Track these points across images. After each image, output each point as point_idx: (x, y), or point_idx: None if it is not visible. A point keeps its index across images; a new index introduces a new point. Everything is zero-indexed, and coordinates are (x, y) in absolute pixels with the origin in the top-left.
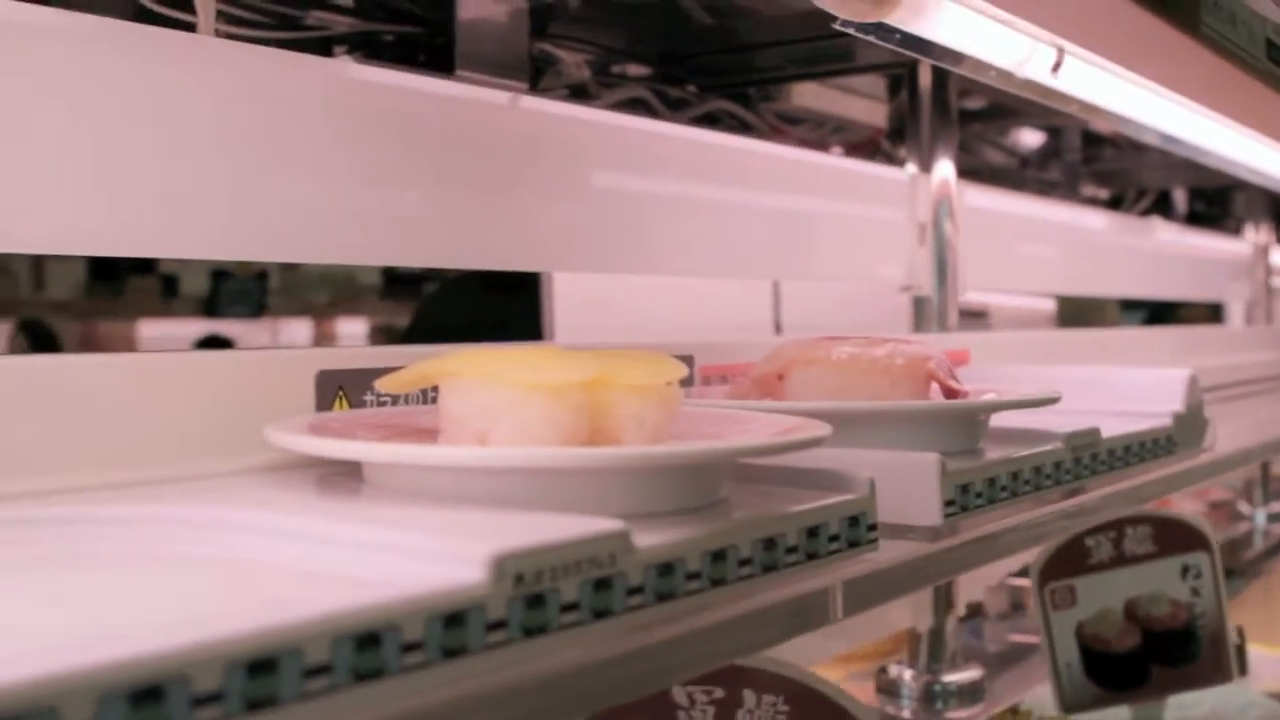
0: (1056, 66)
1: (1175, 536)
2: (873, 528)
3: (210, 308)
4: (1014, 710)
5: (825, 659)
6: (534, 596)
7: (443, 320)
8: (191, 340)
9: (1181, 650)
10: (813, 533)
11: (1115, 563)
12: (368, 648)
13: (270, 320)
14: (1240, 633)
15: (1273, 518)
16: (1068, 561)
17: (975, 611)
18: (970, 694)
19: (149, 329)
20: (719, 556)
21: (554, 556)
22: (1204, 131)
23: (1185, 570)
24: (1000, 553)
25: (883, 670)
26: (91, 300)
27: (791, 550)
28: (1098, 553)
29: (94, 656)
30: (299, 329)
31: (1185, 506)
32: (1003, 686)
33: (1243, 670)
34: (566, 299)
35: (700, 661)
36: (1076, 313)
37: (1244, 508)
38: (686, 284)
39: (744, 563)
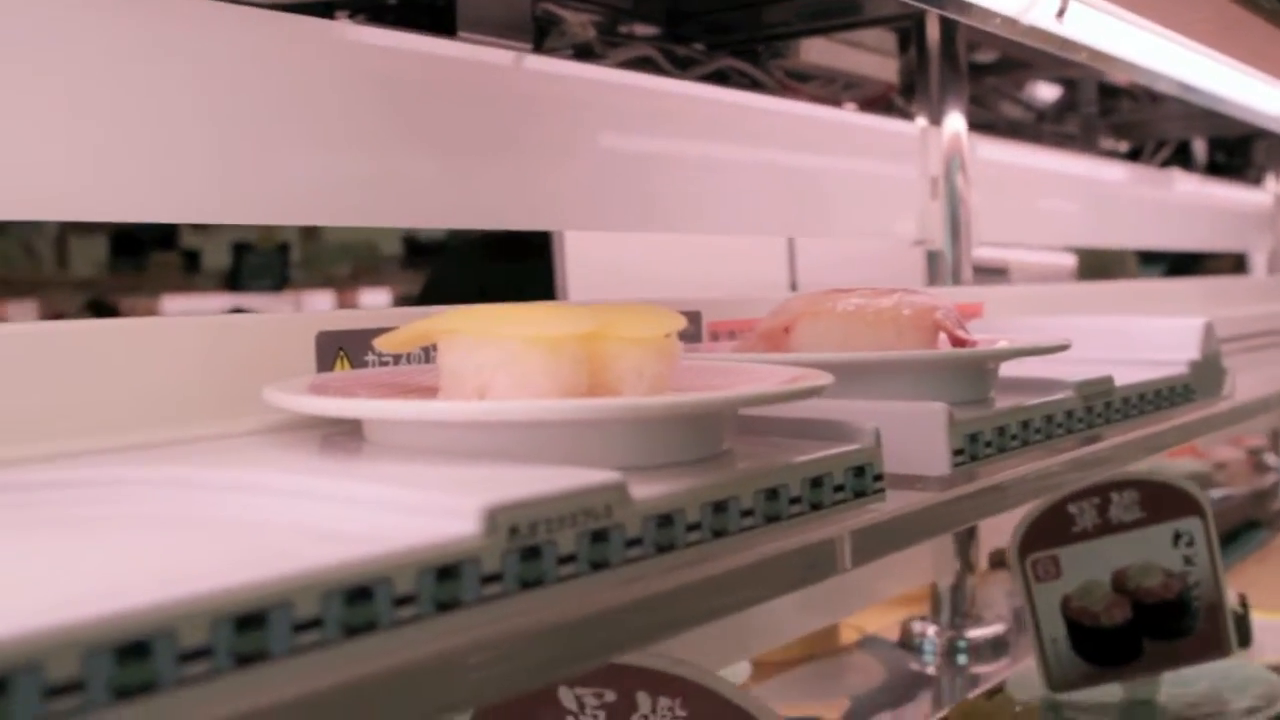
0: (1061, 12)
1: (1165, 501)
2: (879, 478)
3: (233, 281)
4: (993, 692)
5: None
6: (529, 549)
7: (455, 285)
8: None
9: (1175, 623)
10: (816, 483)
11: (1101, 531)
12: (358, 601)
13: (293, 293)
14: (1243, 601)
15: None
16: (1050, 530)
17: (999, 562)
18: (994, 649)
19: (172, 304)
20: (720, 507)
21: (549, 508)
22: (1217, 77)
23: (1177, 537)
24: (1011, 502)
25: (906, 626)
26: (114, 276)
27: (795, 501)
28: (1082, 520)
29: (79, 612)
30: (321, 300)
31: (1221, 453)
32: (1027, 641)
33: (1244, 642)
34: (579, 260)
35: (703, 614)
36: (1096, 266)
37: (1270, 459)
38: (702, 244)
39: (746, 514)
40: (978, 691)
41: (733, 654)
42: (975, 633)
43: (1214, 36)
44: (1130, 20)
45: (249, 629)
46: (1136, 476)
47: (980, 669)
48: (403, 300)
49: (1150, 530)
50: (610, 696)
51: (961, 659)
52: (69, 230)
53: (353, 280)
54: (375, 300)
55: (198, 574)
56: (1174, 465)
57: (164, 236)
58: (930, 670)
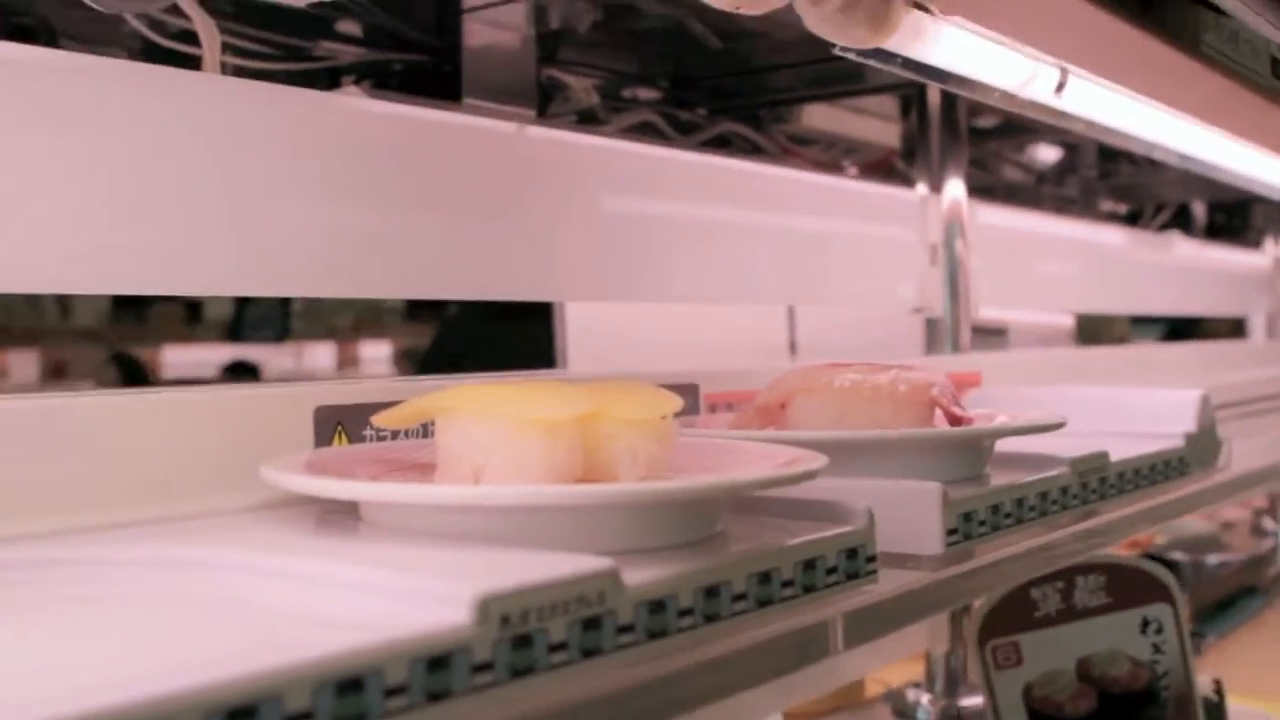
0: (1060, 87)
1: (1132, 586)
2: (872, 559)
3: (234, 333)
4: None
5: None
6: (521, 637)
7: (457, 348)
8: (215, 366)
9: (1142, 715)
10: (809, 566)
11: (1065, 617)
12: (349, 692)
13: (294, 345)
14: (1218, 688)
15: None
16: (1011, 616)
17: None
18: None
19: (173, 355)
20: (712, 592)
21: (541, 596)
22: (1215, 149)
23: (1145, 624)
24: (1005, 580)
25: (901, 694)
26: (115, 327)
27: (788, 584)
28: (1045, 605)
29: (68, 708)
30: (322, 353)
31: (1229, 514)
32: None
33: None
34: (579, 327)
35: (696, 699)
36: (1089, 329)
37: (1268, 524)
38: (701, 310)
39: (738, 598)
40: None
41: None
42: (969, 701)
43: (1211, 113)
44: (1128, 94)
45: None
46: (1103, 560)
47: None
48: (405, 354)
49: (1117, 617)
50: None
51: None
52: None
53: (354, 333)
54: (376, 353)
55: (188, 664)
56: (1183, 525)
57: None
58: None
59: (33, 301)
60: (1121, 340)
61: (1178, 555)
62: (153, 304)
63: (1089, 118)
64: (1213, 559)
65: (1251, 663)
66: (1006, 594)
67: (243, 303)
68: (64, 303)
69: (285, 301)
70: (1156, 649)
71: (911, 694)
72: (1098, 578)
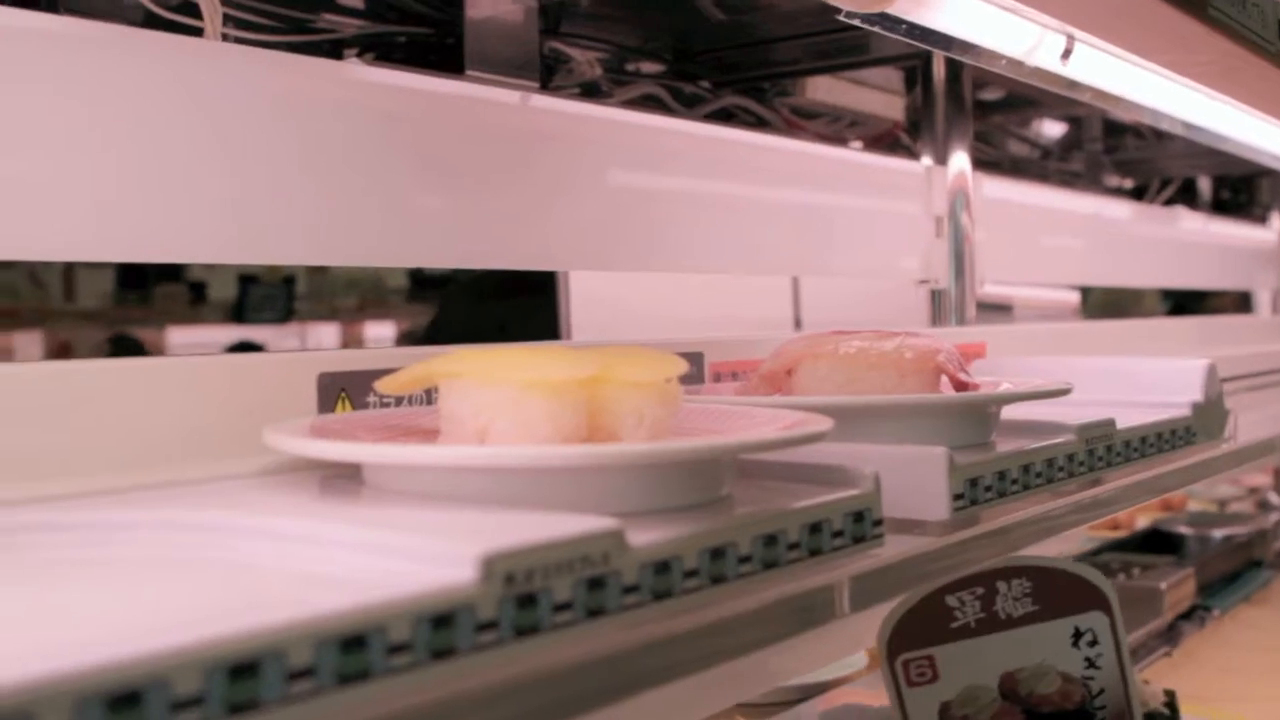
0: (1066, 54)
1: (1063, 592)
2: (878, 523)
3: (238, 314)
4: None
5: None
6: (525, 596)
7: (460, 321)
8: (220, 346)
9: None
10: (815, 529)
11: (986, 627)
12: (353, 650)
13: (298, 325)
14: (1170, 701)
15: None
16: (925, 626)
17: None
18: None
19: (177, 336)
20: (718, 554)
21: (545, 556)
22: (1221, 117)
23: (1078, 635)
24: (1011, 546)
25: None
26: (120, 309)
27: (794, 547)
28: (963, 614)
29: (71, 661)
30: (327, 333)
31: (1225, 489)
32: None
33: None
34: (584, 297)
35: (702, 660)
36: (1113, 304)
37: (1273, 497)
38: (707, 281)
39: (744, 560)
40: None
41: (720, 699)
42: None
43: (1217, 78)
44: (1134, 62)
45: (242, 678)
46: (1028, 563)
47: None
48: (408, 334)
49: (1045, 627)
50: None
51: None
52: (76, 262)
53: (358, 314)
54: (380, 334)
55: (191, 621)
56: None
57: (170, 269)
58: None
59: (37, 282)
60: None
61: (1183, 528)
62: (156, 285)
63: (1095, 85)
64: (1218, 532)
65: (1249, 643)
66: (918, 601)
67: (246, 283)
68: (68, 284)
69: (289, 282)
70: (1090, 663)
71: None
72: (1022, 583)
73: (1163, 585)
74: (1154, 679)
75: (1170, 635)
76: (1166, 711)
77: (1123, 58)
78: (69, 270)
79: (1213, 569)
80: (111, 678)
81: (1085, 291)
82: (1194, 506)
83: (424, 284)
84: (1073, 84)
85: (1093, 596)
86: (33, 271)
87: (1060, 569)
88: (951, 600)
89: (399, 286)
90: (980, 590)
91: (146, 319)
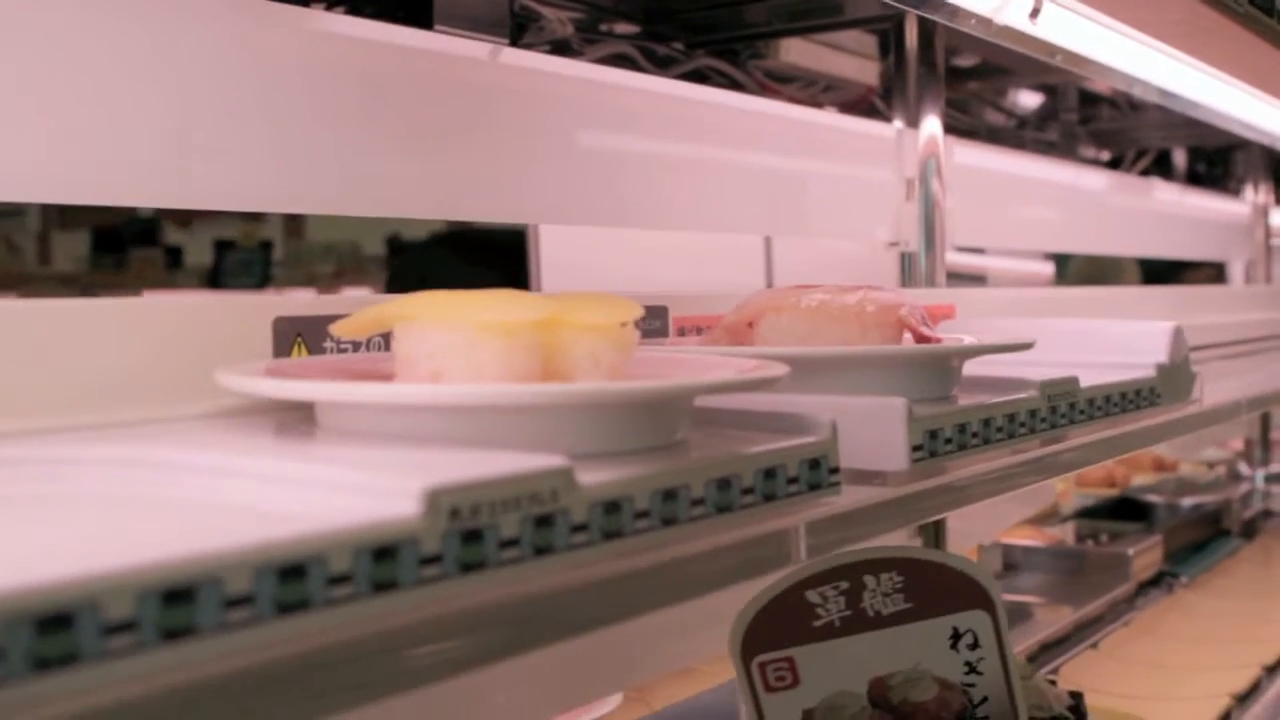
0: (1035, 13)
1: (939, 588)
2: (834, 470)
3: (214, 279)
4: None
5: None
6: (471, 532)
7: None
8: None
9: None
10: (770, 474)
11: (853, 625)
12: (291, 579)
13: (275, 291)
14: (1076, 706)
15: (1271, 478)
16: (783, 625)
17: None
18: None
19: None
20: (669, 496)
21: (492, 491)
22: (1192, 83)
23: (956, 636)
24: (969, 499)
25: None
26: (95, 272)
27: (748, 491)
28: (826, 611)
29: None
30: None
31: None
32: None
33: None
34: (554, 262)
35: (653, 600)
36: (1091, 276)
37: (1244, 468)
38: (678, 245)
39: (697, 503)
40: None
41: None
42: None
43: (1186, 39)
44: (1103, 22)
45: (177, 604)
46: (898, 554)
47: None
48: None
49: (920, 627)
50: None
51: None
52: (50, 225)
53: (335, 279)
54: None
55: (126, 548)
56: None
57: (146, 233)
58: None
59: (12, 246)
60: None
61: (1152, 497)
62: (132, 249)
63: (1065, 46)
64: (1187, 501)
65: (1210, 611)
66: (775, 596)
67: (222, 248)
68: (43, 248)
69: (266, 246)
70: (971, 668)
71: None
72: (892, 577)
73: (1130, 551)
74: (1117, 646)
75: (1136, 601)
76: (1071, 716)
77: (1092, 17)
78: (44, 234)
79: (1181, 537)
80: (40, 600)
81: (1062, 263)
82: (1185, 470)
83: (400, 249)
84: (1042, 44)
85: (973, 593)
86: (7, 235)
87: (936, 561)
88: (812, 595)
89: (376, 253)
90: (845, 585)
91: (122, 283)
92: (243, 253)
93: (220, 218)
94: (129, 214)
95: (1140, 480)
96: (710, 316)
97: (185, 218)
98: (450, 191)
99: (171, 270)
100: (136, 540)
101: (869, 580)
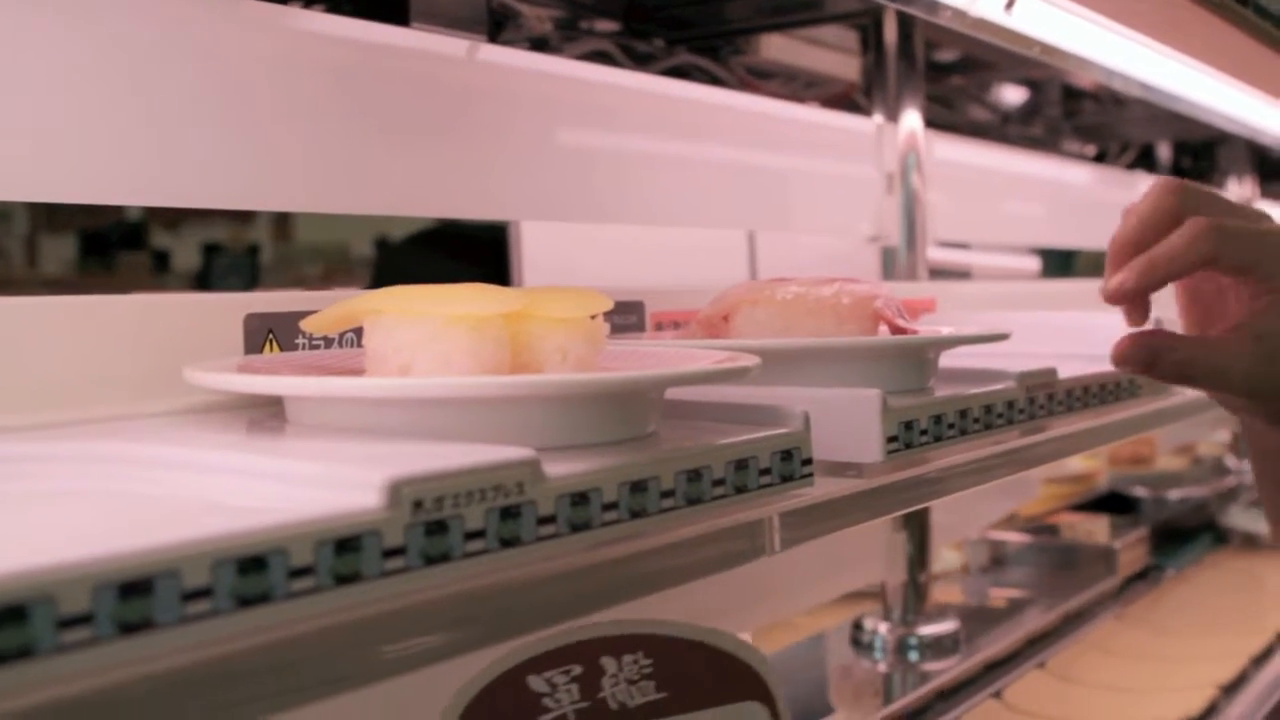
0: (1010, 4)
1: (701, 674)
2: (807, 462)
3: (201, 282)
4: None
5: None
6: (435, 523)
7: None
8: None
9: None
10: (741, 466)
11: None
12: (251, 571)
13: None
14: None
15: None
16: (503, 718)
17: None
18: (945, 647)
19: None
20: (638, 487)
21: (456, 483)
22: (1169, 74)
23: None
24: (946, 491)
25: (858, 624)
26: (83, 275)
27: (719, 483)
28: (556, 702)
29: None
30: None
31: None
32: (980, 640)
33: None
34: (536, 265)
35: (621, 592)
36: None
37: (1230, 461)
38: (661, 242)
39: (666, 495)
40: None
41: None
42: (927, 630)
43: (1162, 30)
44: (1078, 13)
45: (134, 596)
46: (647, 630)
47: (931, 666)
48: None
49: None
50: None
51: (913, 656)
52: (37, 229)
53: (324, 282)
54: None
55: (83, 541)
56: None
57: (133, 236)
58: (881, 667)
59: None
60: None
61: (1139, 490)
62: (119, 253)
63: (1041, 39)
64: (1174, 493)
65: (1197, 603)
66: (489, 683)
67: (210, 251)
68: (30, 251)
69: (253, 251)
70: None
71: (869, 622)
72: (638, 659)
73: (1117, 544)
74: (1104, 639)
75: (1122, 595)
76: None
77: (1067, 9)
78: (31, 236)
79: (1168, 530)
80: None
81: (1067, 260)
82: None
83: (387, 251)
84: (1017, 37)
85: (744, 679)
86: None
87: (693, 640)
88: (537, 682)
89: (364, 255)
90: (577, 669)
91: (109, 287)
92: (229, 255)
93: (208, 221)
94: (116, 217)
95: (1164, 463)
96: (688, 312)
97: (172, 220)
98: (429, 189)
99: (158, 273)
100: (93, 533)
101: (608, 663)
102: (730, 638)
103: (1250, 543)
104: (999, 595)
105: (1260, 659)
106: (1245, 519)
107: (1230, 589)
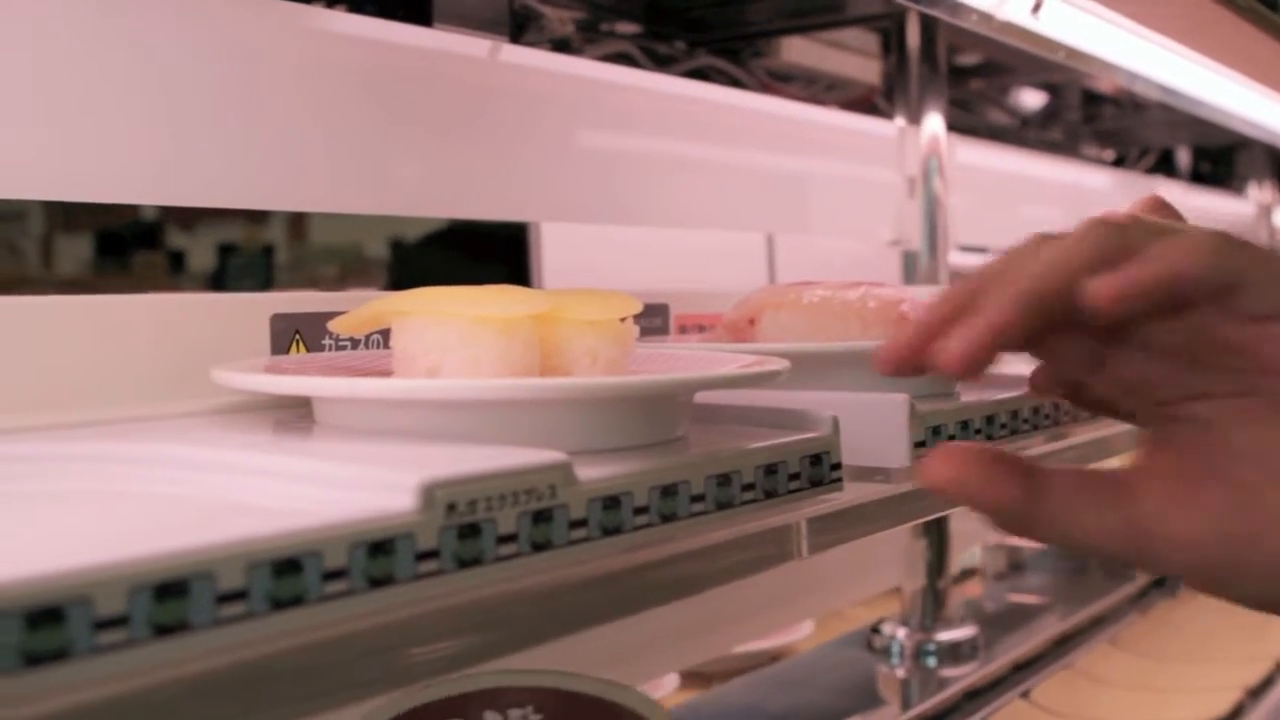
0: (1036, 8)
1: None
2: (836, 466)
3: (217, 283)
4: None
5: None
6: (468, 526)
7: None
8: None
9: None
10: (771, 470)
11: None
12: (287, 574)
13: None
14: None
15: None
16: None
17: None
18: (964, 653)
19: None
20: (669, 492)
21: (489, 486)
22: (1193, 77)
23: None
24: None
25: (875, 629)
26: (99, 276)
27: (749, 488)
28: None
29: None
30: None
31: None
32: (999, 646)
33: None
34: (556, 267)
35: (653, 597)
36: None
37: None
38: (681, 245)
39: (696, 499)
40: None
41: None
42: (945, 636)
43: (1188, 34)
44: (1105, 16)
45: (169, 599)
46: (540, 684)
47: (949, 672)
48: None
49: None
50: None
51: (930, 662)
52: (54, 229)
53: (339, 283)
54: None
55: (118, 543)
56: None
57: (149, 236)
58: (899, 673)
59: (14, 250)
60: None
61: None
62: (135, 253)
63: (1067, 42)
64: None
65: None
66: None
67: (225, 252)
68: (46, 252)
69: (268, 251)
70: None
71: (887, 628)
72: (528, 716)
73: None
74: (1130, 643)
75: (1142, 600)
76: None
77: (1093, 12)
78: (47, 237)
79: None
80: (30, 595)
81: None
82: None
83: (403, 252)
84: (1044, 41)
85: None
86: (10, 239)
87: (591, 694)
88: None
89: (379, 256)
90: None
91: (125, 287)
92: (245, 256)
93: (223, 221)
94: (132, 216)
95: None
96: (712, 315)
97: (188, 221)
98: (450, 189)
99: (174, 274)
100: (129, 535)
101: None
102: (633, 693)
103: None
104: (1018, 600)
105: None
106: None
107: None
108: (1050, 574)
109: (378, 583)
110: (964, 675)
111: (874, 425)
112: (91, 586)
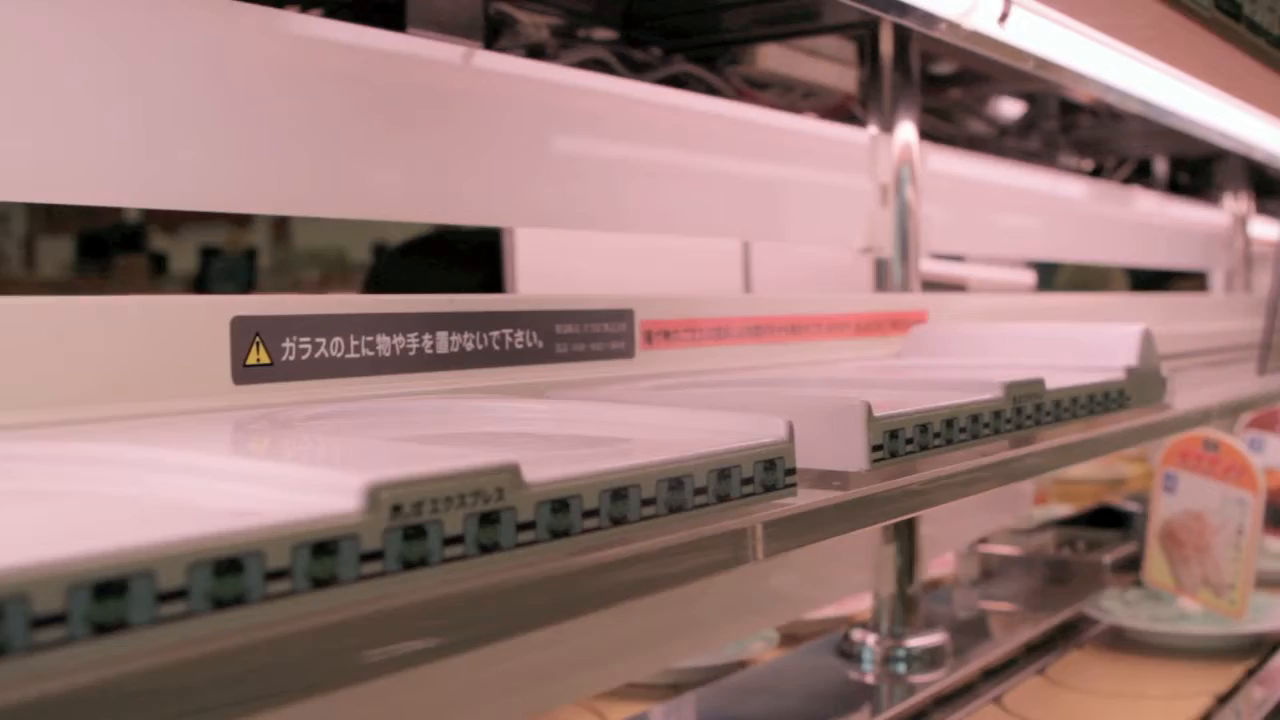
0: (1003, 17)
1: None
2: (791, 472)
3: (199, 286)
4: None
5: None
6: (413, 528)
7: (409, 285)
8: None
9: None
10: (724, 475)
11: None
12: (228, 573)
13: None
14: None
15: None
16: None
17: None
18: (933, 659)
19: None
20: (619, 495)
21: (435, 488)
22: (1163, 88)
23: None
24: (930, 502)
25: (846, 635)
26: (81, 279)
27: (700, 491)
28: None
29: None
30: None
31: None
32: (969, 652)
33: None
34: (531, 273)
35: (601, 599)
36: (1078, 286)
37: None
38: (657, 252)
39: (648, 502)
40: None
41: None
42: (915, 642)
43: (1155, 44)
44: (1071, 26)
45: (108, 597)
46: None
47: (919, 678)
48: None
49: None
50: None
51: (900, 668)
52: (36, 232)
53: (321, 287)
54: None
55: (58, 541)
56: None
57: (131, 239)
58: (869, 679)
59: None
60: None
61: (1130, 505)
62: (117, 256)
63: (1035, 52)
64: None
65: None
66: None
67: (208, 255)
68: (28, 254)
69: (250, 255)
70: None
71: (857, 634)
72: None
73: (1106, 559)
74: (1099, 650)
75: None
76: None
77: (1060, 22)
78: (29, 240)
79: None
80: None
81: (1048, 272)
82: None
83: (384, 256)
84: (1012, 50)
85: None
86: None
87: None
88: None
89: (361, 262)
90: None
91: (106, 290)
92: (227, 260)
93: (206, 225)
94: (114, 220)
95: None
96: (676, 321)
97: (171, 224)
98: (424, 194)
99: (156, 277)
100: (68, 533)
101: None
102: None
103: None
104: (989, 606)
105: (1254, 670)
106: None
107: None
108: (1022, 582)
109: (321, 583)
110: (934, 681)
111: (832, 429)
112: (29, 584)
